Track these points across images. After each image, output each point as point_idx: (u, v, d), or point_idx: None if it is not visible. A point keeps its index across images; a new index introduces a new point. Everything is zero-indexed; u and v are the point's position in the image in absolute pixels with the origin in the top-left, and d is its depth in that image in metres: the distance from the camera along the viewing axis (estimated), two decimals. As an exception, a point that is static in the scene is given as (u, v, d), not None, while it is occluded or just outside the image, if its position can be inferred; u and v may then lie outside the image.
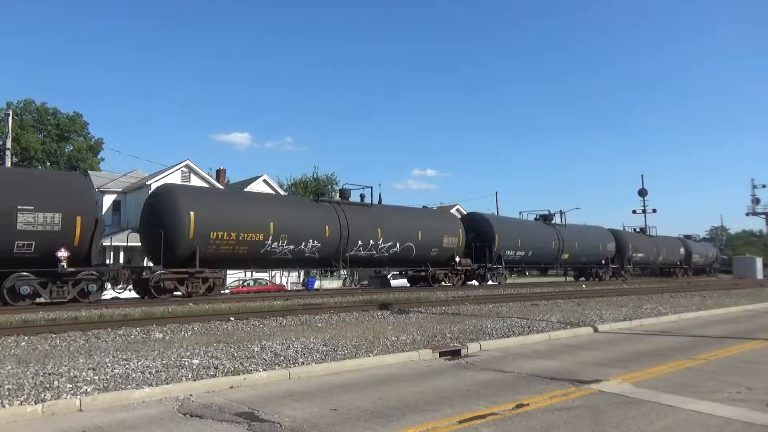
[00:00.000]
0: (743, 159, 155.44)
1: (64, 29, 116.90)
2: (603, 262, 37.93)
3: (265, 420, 5.44)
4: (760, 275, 46.78)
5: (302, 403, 6.08)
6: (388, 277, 30.02)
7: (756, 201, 57.78)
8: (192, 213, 18.05)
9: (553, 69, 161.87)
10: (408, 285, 28.54)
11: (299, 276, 38.31)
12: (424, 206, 30.29)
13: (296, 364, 7.82)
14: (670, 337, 11.69)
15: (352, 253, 22.90)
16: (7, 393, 5.90)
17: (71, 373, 6.78)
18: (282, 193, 47.28)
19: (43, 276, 15.39)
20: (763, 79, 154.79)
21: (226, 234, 18.82)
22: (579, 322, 12.96)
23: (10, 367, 7.14)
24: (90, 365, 7.24)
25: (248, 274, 32.98)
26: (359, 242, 22.93)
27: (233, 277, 34.93)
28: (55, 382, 6.35)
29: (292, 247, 20.77)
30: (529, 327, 11.90)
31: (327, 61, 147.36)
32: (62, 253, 15.41)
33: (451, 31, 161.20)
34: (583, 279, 38.09)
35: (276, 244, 20.28)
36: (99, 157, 63.98)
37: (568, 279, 39.26)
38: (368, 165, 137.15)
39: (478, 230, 28.71)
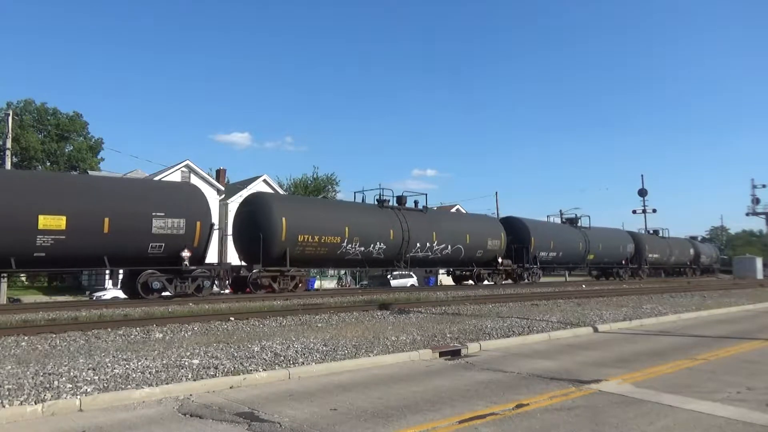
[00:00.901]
0: (743, 159, 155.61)
1: (64, 29, 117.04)
2: (623, 262, 40.01)
3: (265, 420, 5.44)
4: (760, 275, 46.72)
5: (302, 403, 6.08)
6: (388, 277, 30.38)
7: (756, 201, 57.71)
8: (284, 219, 20.28)
9: (553, 69, 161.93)
10: (453, 284, 31.28)
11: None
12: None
13: (296, 364, 7.82)
14: (670, 337, 11.69)
15: (411, 254, 25.10)
16: (7, 393, 5.90)
17: (71, 373, 6.77)
18: (282, 192, 47.30)
19: (169, 273, 17.63)
20: (763, 79, 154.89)
21: (310, 237, 21.09)
22: (579, 322, 12.96)
23: (10, 367, 7.14)
24: (90, 365, 7.24)
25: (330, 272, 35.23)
26: (417, 244, 25.14)
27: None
28: (55, 382, 6.35)
29: (362, 248, 23.00)
30: (529, 327, 11.90)
31: (327, 61, 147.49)
32: (185, 254, 17.64)
33: (451, 31, 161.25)
34: (600, 278, 40.56)
35: (350, 246, 22.49)
36: (99, 157, 64.01)
37: (584, 279, 41.69)
38: (368, 165, 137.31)
39: (515, 233, 30.87)
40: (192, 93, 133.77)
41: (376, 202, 25.70)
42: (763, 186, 56.24)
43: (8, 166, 27.12)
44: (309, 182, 59.19)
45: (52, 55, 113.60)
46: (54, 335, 9.92)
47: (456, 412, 5.71)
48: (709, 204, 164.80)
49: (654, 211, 55.39)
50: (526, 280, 31.13)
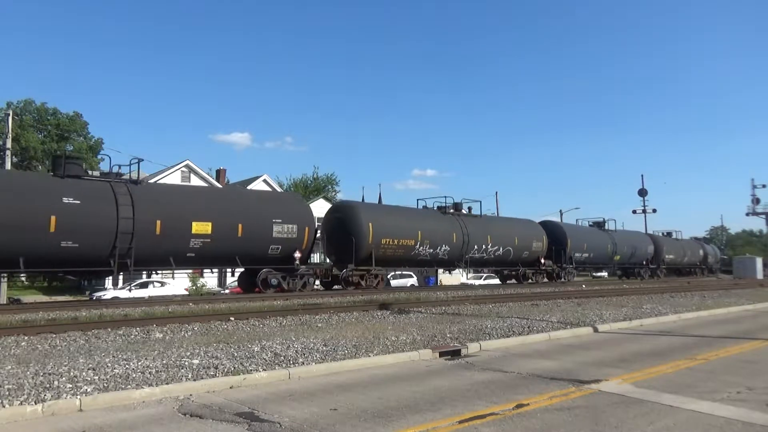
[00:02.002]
0: (743, 159, 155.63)
1: (64, 29, 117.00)
2: (644, 263, 42.52)
3: (265, 420, 5.44)
4: (760, 275, 46.68)
5: (302, 403, 6.08)
6: (388, 277, 31.02)
7: (756, 201, 57.80)
8: (370, 224, 23.01)
9: (553, 69, 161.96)
10: (499, 282, 34.15)
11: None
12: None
13: (296, 364, 7.82)
14: (670, 337, 11.69)
15: (469, 255, 27.71)
16: (7, 393, 5.90)
17: (71, 373, 6.78)
18: (279, 190, 47.42)
19: (282, 271, 20.68)
20: (763, 80, 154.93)
21: (391, 240, 23.84)
22: (579, 322, 12.96)
23: (10, 367, 7.14)
24: (90, 365, 7.24)
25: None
26: (475, 246, 27.86)
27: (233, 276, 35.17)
28: (55, 382, 6.35)
29: (431, 250, 25.76)
30: (529, 327, 11.90)
31: (327, 61, 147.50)
32: (297, 254, 20.79)
33: (452, 31, 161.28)
34: (622, 277, 42.92)
35: (421, 248, 25.28)
36: (99, 157, 63.97)
37: (610, 278, 44.57)
38: (368, 165, 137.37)
39: (553, 236, 33.36)
40: (192, 93, 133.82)
41: (436, 209, 28.65)
42: (763, 186, 56.38)
43: (8, 166, 27.12)
44: (309, 182, 59.22)
45: (52, 55, 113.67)
46: (54, 335, 9.92)
47: (456, 412, 5.71)
48: (709, 204, 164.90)
49: (654, 211, 55.47)
50: (563, 279, 33.41)
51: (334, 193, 58.08)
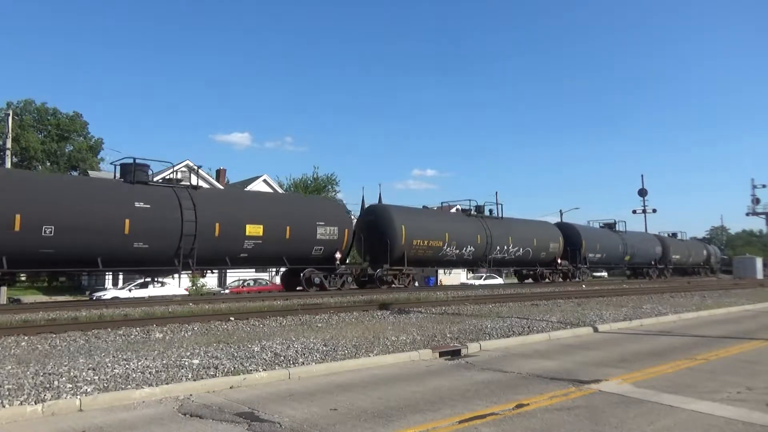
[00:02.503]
0: (743, 159, 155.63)
1: (64, 29, 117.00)
2: (653, 263, 43.64)
3: (265, 420, 5.44)
4: (760, 275, 46.67)
5: (302, 403, 6.08)
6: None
7: (756, 201, 57.81)
8: (403, 226, 24.26)
9: (553, 69, 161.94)
10: (517, 281, 35.55)
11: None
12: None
13: (296, 364, 7.82)
14: (670, 337, 11.69)
15: (492, 255, 29.01)
16: (7, 393, 5.90)
17: (71, 373, 6.78)
18: (280, 191, 47.41)
19: (324, 270, 21.98)
20: (763, 79, 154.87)
21: (422, 241, 25.11)
22: (579, 322, 12.95)
23: (10, 367, 7.14)
24: (90, 365, 7.24)
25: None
26: (497, 247, 29.17)
27: (233, 276, 35.28)
28: (55, 382, 6.35)
29: (458, 251, 27.08)
30: (529, 327, 11.89)
31: (327, 61, 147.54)
32: (338, 255, 22.08)
33: (452, 31, 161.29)
34: (631, 277, 43.96)
35: (449, 249, 26.52)
36: (99, 157, 63.98)
37: (620, 278, 45.00)
38: (368, 165, 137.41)
39: (568, 237, 34.46)
40: (192, 93, 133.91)
41: (461, 211, 30.37)
42: (763, 186, 56.41)
43: (8, 165, 27.11)
44: (309, 182, 59.18)
45: (52, 55, 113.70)
46: (54, 335, 9.92)
47: (456, 412, 5.71)
48: (709, 204, 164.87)
49: (654, 211, 55.55)
50: (578, 279, 34.45)
51: (334, 193, 57.98)
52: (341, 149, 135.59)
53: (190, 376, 6.92)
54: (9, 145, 27.89)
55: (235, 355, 8.19)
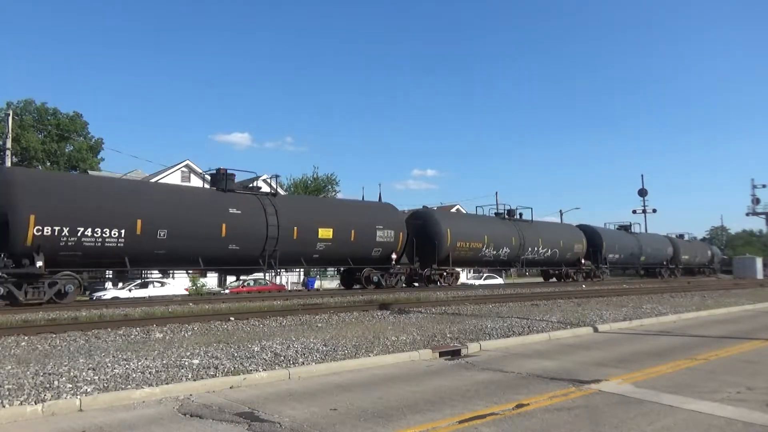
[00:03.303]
0: (743, 159, 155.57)
1: (64, 29, 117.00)
2: (664, 263, 45.78)
3: (265, 420, 5.44)
4: (760, 275, 46.68)
5: (302, 403, 6.08)
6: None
7: (756, 201, 57.77)
8: (448, 229, 26.63)
9: (553, 69, 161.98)
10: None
11: (299, 276, 39.04)
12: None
13: (296, 364, 7.82)
14: (670, 337, 11.69)
15: (524, 256, 31.43)
16: (7, 393, 5.90)
17: (71, 373, 6.78)
18: (282, 192, 47.43)
19: (381, 270, 24.23)
20: (763, 79, 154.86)
21: (464, 243, 27.44)
22: (579, 322, 12.95)
23: (10, 367, 7.14)
24: (90, 365, 7.24)
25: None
26: (529, 249, 31.64)
27: (233, 276, 35.39)
28: (55, 382, 6.35)
29: (495, 252, 29.64)
30: (529, 327, 11.89)
31: (327, 61, 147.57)
32: (394, 255, 24.44)
33: (452, 31, 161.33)
34: (644, 277, 45.58)
35: (487, 250, 29.13)
36: (99, 157, 63.91)
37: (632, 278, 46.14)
38: (368, 165, 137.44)
39: (590, 238, 36.68)
40: (192, 93, 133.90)
41: (494, 215, 32.83)
42: (763, 186, 56.38)
43: (8, 165, 27.11)
44: (309, 182, 59.14)
45: (52, 55, 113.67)
46: (54, 335, 9.92)
47: (456, 412, 5.70)
48: (709, 204, 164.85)
49: (654, 211, 55.60)
50: (599, 278, 36.55)
51: (334, 193, 57.97)
52: (341, 149, 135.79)
53: (190, 376, 6.92)
54: (9, 145, 27.91)
55: (235, 355, 8.19)
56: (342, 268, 25.06)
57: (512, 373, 7.74)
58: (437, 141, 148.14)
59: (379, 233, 23.84)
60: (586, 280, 35.39)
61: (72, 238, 15.82)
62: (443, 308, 15.45)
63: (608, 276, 38.39)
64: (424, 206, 33.70)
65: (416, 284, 26.80)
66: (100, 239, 16.28)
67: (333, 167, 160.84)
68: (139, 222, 16.92)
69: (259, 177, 42.00)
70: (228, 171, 20.71)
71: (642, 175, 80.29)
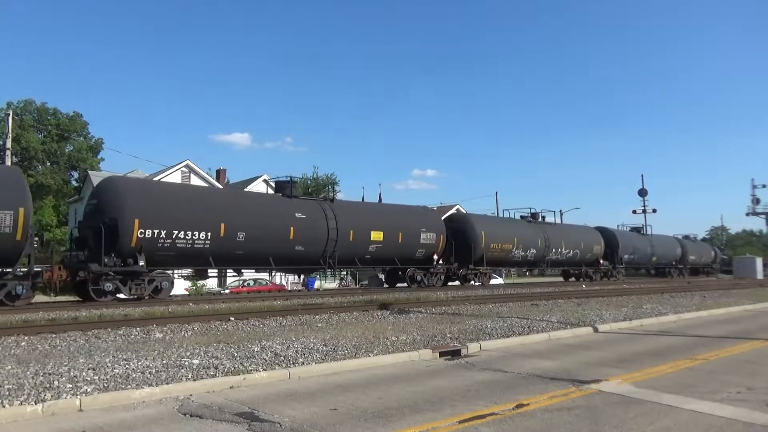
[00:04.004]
0: (743, 159, 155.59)
1: (64, 29, 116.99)
2: (673, 263, 47.60)
3: (265, 420, 5.44)
4: (760, 275, 46.65)
5: (302, 403, 6.08)
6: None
7: (756, 201, 57.84)
8: (483, 232, 28.51)
9: (553, 69, 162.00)
10: (563, 279, 39.27)
11: (299, 276, 39.24)
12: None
13: (296, 364, 7.82)
14: (670, 337, 11.69)
15: (549, 257, 33.29)
16: (7, 393, 5.90)
17: (71, 373, 6.77)
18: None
19: (423, 270, 26.01)
20: (763, 80, 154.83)
21: (497, 244, 29.34)
22: (579, 322, 12.95)
23: (10, 367, 7.14)
24: (90, 365, 7.24)
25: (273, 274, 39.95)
26: (554, 250, 33.50)
27: (233, 276, 35.46)
28: (55, 382, 6.35)
29: (523, 253, 31.33)
30: (529, 327, 11.89)
31: (327, 62, 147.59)
32: (435, 256, 26.25)
33: (451, 31, 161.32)
34: (655, 276, 46.92)
35: (516, 251, 30.89)
36: (99, 157, 63.95)
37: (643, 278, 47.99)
38: (368, 165, 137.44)
39: (607, 240, 38.40)
40: (192, 93, 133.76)
41: (520, 218, 34.63)
42: (763, 186, 56.47)
43: (8, 165, 27.09)
44: (309, 182, 59.17)
45: (52, 55, 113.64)
46: (54, 335, 9.92)
47: (456, 412, 5.70)
48: (709, 204, 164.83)
49: (654, 211, 55.61)
50: (615, 278, 38.34)
51: (334, 193, 58.02)
52: (341, 149, 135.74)
53: (190, 376, 6.92)
54: (9, 145, 27.92)
55: (235, 355, 8.19)
56: (386, 268, 26.65)
57: (512, 373, 7.74)
58: (437, 141, 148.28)
59: (422, 236, 25.76)
60: (602, 279, 37.21)
61: (168, 240, 17.65)
62: (443, 308, 15.45)
63: (623, 275, 39.99)
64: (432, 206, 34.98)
65: (453, 283, 28.58)
66: (191, 241, 18.13)
67: (333, 167, 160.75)
68: (222, 225, 18.80)
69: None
70: (291, 178, 23.14)
71: (642, 175, 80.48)
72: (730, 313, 17.03)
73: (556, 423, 5.31)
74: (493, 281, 41.44)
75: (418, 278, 25.73)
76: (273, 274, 40.75)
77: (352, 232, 22.75)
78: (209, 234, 18.42)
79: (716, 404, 5.99)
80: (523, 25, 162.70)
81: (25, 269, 15.66)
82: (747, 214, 60.11)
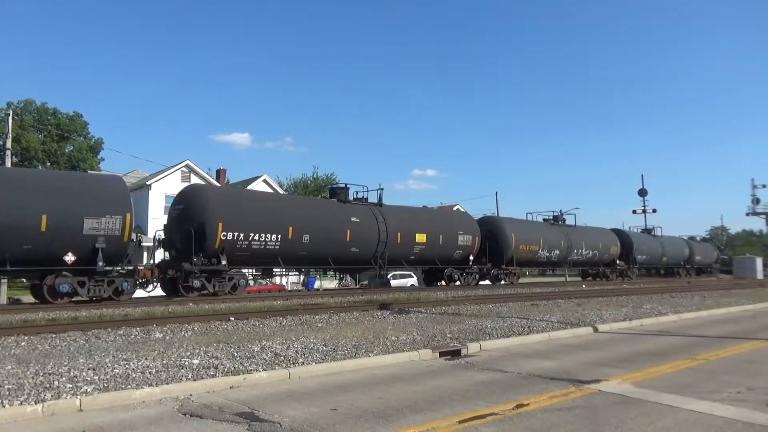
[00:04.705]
0: (743, 159, 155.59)
1: (64, 29, 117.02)
2: (682, 263, 49.62)
3: (265, 420, 5.44)
4: (760, 275, 46.59)
5: (302, 403, 6.08)
6: (389, 277, 32.93)
7: (756, 201, 57.69)
8: (513, 234, 30.44)
9: (553, 69, 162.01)
10: (580, 278, 41.90)
11: (299, 276, 39.28)
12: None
13: (296, 364, 7.82)
14: (670, 337, 11.69)
15: (571, 258, 35.61)
16: (7, 393, 5.90)
17: (71, 373, 6.77)
18: (281, 192, 47.43)
19: (460, 270, 28.31)
20: (763, 79, 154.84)
21: (525, 246, 31.31)
22: (579, 322, 12.95)
23: (10, 367, 7.14)
24: (90, 365, 7.24)
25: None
26: (575, 250, 35.62)
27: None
28: (55, 382, 6.35)
29: (548, 254, 33.38)
30: (529, 327, 11.89)
31: (327, 61, 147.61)
32: (471, 257, 28.49)
33: (451, 31, 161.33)
34: (665, 276, 48.64)
35: (542, 252, 32.71)
36: (99, 157, 63.88)
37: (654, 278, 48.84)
38: (368, 165, 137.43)
39: (622, 241, 40.40)
40: (192, 93, 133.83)
41: (543, 221, 36.58)
42: (763, 186, 56.32)
43: (8, 165, 27.09)
44: (309, 182, 59.16)
45: (52, 55, 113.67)
46: (54, 335, 9.92)
47: (456, 412, 5.70)
48: (709, 204, 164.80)
49: (654, 211, 55.56)
50: (630, 277, 40.05)
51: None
52: (341, 149, 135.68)
53: (190, 376, 6.92)
54: (9, 145, 27.90)
55: (235, 355, 8.19)
56: (425, 268, 28.91)
57: (512, 373, 7.74)
58: (437, 141, 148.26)
59: (460, 238, 27.79)
60: (618, 279, 39.30)
61: (245, 242, 19.60)
62: (443, 308, 15.45)
63: (637, 275, 41.90)
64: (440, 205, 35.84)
65: (483, 282, 30.56)
66: (264, 242, 20.11)
67: (333, 167, 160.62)
68: (290, 228, 20.83)
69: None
70: (347, 185, 25.30)
71: (642, 175, 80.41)
72: (730, 313, 17.02)
73: (556, 423, 5.31)
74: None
75: (456, 277, 27.87)
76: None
77: (399, 234, 24.76)
78: (279, 236, 20.38)
79: (716, 404, 5.99)
80: (523, 25, 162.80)
81: (130, 267, 17.59)
82: (747, 214, 60.02)
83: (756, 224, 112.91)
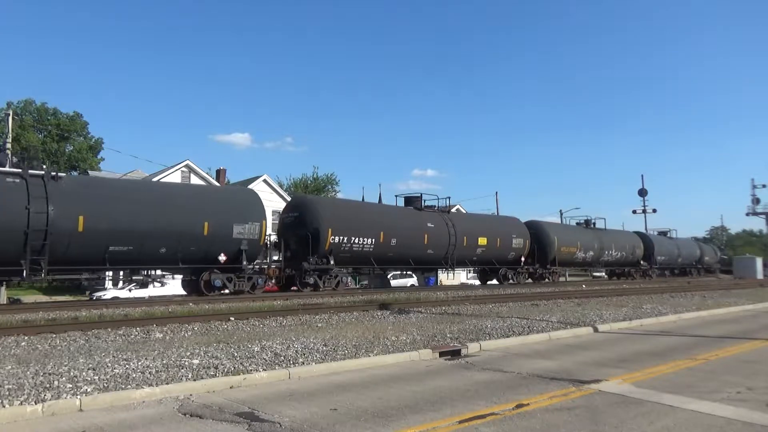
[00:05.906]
0: (743, 159, 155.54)
1: (64, 29, 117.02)
2: (693, 263, 51.86)
3: (265, 420, 5.44)
4: (760, 275, 46.59)
5: (302, 403, 6.08)
6: (389, 277, 33.05)
7: (756, 201, 57.67)
8: (555, 237, 33.60)
9: (554, 69, 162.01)
10: (607, 277, 44.73)
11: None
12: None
13: (296, 364, 7.82)
14: (671, 337, 11.69)
15: (602, 258, 38.40)
16: (7, 393, 5.90)
17: (71, 373, 6.77)
18: (282, 192, 47.44)
19: (512, 270, 31.33)
20: (763, 79, 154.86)
21: (566, 248, 34.48)
22: (579, 322, 12.95)
23: (10, 367, 7.14)
24: (90, 365, 7.24)
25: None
26: (606, 252, 38.41)
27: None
28: (55, 382, 6.35)
29: (583, 255, 36.22)
30: (529, 327, 11.89)
31: (327, 61, 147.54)
32: (523, 258, 31.41)
33: (452, 31, 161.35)
34: (677, 275, 50.02)
35: (579, 253, 35.74)
36: (99, 157, 63.95)
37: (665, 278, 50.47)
38: (368, 165, 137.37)
39: (645, 243, 43.35)
40: (192, 93, 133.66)
41: (576, 224, 39.37)
42: (763, 186, 56.29)
43: (8, 166, 27.05)
44: (309, 182, 59.20)
45: (52, 55, 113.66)
46: (54, 335, 9.92)
47: (456, 412, 5.70)
48: (709, 204, 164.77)
49: (654, 211, 55.61)
50: (650, 276, 42.65)
51: (334, 193, 58.07)
52: (341, 149, 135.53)
53: (190, 376, 6.92)
54: (9, 145, 27.88)
55: (235, 355, 8.19)
56: (479, 267, 31.93)
57: (512, 373, 7.74)
58: (437, 141, 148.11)
59: (513, 241, 31.01)
60: (639, 278, 41.51)
61: (347, 245, 22.75)
62: (443, 308, 15.45)
63: (657, 275, 44.46)
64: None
65: (527, 281, 32.69)
66: (361, 245, 23.32)
67: (333, 167, 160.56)
68: (382, 233, 23.95)
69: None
70: (421, 194, 28.36)
71: (642, 175, 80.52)
72: (730, 313, 17.03)
73: (556, 423, 5.31)
74: (491, 281, 42.31)
75: (509, 276, 30.97)
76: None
77: (465, 238, 27.90)
78: (373, 240, 23.62)
79: (716, 404, 5.99)
80: (522, 25, 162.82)
81: (263, 266, 21.28)
82: (747, 214, 59.97)
83: (756, 224, 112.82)
